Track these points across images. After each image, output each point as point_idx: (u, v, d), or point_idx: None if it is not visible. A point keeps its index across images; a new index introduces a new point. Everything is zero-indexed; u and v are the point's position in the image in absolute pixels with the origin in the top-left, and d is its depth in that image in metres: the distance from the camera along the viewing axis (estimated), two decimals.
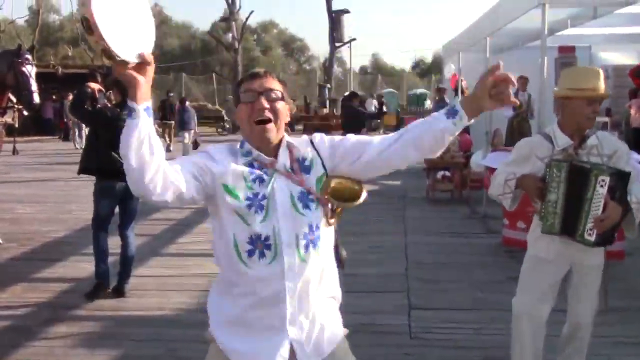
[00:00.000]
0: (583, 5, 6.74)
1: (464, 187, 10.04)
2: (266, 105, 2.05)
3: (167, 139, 19.07)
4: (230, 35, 32.01)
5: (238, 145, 2.16)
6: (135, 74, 1.82)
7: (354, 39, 33.45)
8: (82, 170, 5.64)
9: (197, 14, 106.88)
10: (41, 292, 5.70)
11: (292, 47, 62.34)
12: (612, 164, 3.24)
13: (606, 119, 11.08)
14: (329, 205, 2.13)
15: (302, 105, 30.95)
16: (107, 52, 1.76)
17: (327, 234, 2.17)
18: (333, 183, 2.14)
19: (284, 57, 60.48)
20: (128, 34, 1.80)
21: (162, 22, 55.04)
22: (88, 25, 1.73)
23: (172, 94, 21.13)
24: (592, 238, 3.12)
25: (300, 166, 2.14)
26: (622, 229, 3.37)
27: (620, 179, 3.10)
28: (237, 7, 33.19)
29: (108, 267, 5.63)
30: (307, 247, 2.09)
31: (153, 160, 1.85)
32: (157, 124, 16.18)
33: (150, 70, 1.86)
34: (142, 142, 1.82)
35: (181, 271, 6.33)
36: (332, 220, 2.16)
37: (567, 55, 11.67)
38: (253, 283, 2.09)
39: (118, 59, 1.78)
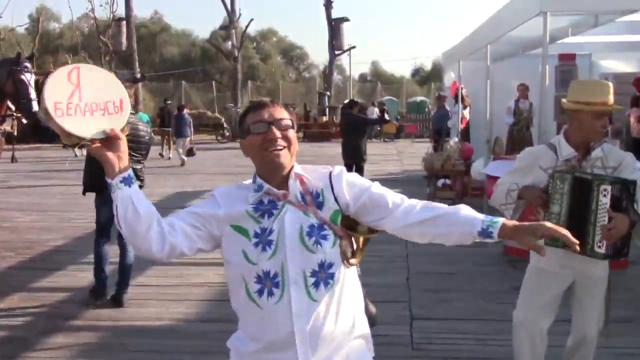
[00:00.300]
0: (584, 13, 6.73)
1: (465, 195, 10.00)
2: (278, 134, 1.99)
3: (167, 146, 19.23)
4: (230, 43, 32.05)
5: (250, 181, 2.09)
6: (103, 150, 1.89)
7: (354, 47, 33.61)
8: (86, 189, 5.69)
9: (197, 22, 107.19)
10: (39, 302, 5.64)
11: (292, 55, 62.39)
12: (617, 175, 3.20)
13: (607, 127, 11.03)
14: (350, 244, 2.05)
15: (301, 113, 30.98)
16: (66, 133, 1.85)
17: (346, 272, 2.05)
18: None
19: (284, 65, 60.53)
20: (95, 112, 1.89)
21: (162, 30, 55.13)
22: (47, 113, 1.83)
23: (169, 102, 21.20)
24: (602, 250, 3.05)
25: (312, 199, 2.05)
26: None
27: (625, 187, 3.04)
28: (237, 15, 33.25)
29: (106, 273, 5.72)
30: (316, 285, 1.97)
31: (140, 223, 1.93)
32: (156, 131, 16.31)
33: (122, 143, 1.91)
34: (126, 210, 1.91)
35: (180, 280, 6.28)
36: (352, 260, 2.06)
37: (567, 63, 11.63)
38: (264, 324, 1.99)
39: (82, 139, 1.87)
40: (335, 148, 20.59)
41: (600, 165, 3.24)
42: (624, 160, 3.27)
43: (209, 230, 2.02)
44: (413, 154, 18.53)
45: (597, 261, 3.28)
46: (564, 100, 3.41)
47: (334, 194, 2.05)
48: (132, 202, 1.91)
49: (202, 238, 2.03)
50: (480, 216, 1.95)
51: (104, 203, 5.42)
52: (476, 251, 7.28)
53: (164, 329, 5.01)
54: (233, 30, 32.24)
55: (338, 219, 2.04)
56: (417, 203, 2.05)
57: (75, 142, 1.92)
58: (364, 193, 2.06)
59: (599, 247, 3.05)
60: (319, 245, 1.97)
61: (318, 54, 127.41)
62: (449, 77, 13.56)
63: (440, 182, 10.35)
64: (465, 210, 1.98)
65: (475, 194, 9.70)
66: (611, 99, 3.23)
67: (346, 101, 12.98)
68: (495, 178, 7.93)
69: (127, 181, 1.91)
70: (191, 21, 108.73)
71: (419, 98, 38.50)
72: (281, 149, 2.00)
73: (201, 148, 22.55)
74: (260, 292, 1.97)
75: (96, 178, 5.20)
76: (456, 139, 11.67)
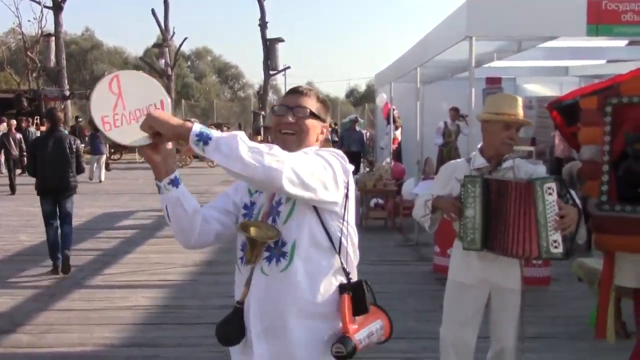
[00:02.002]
0: (508, 39, 6.98)
1: (396, 215, 10.13)
2: (291, 119, 2.14)
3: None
4: (163, 61, 31.62)
5: None
6: (150, 154, 1.98)
7: (288, 67, 33.70)
8: (39, 191, 7.22)
9: (129, 40, 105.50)
10: None
11: (227, 74, 62.13)
12: None
13: (531, 148, 11.45)
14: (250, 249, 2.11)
15: None
16: (119, 145, 2.04)
17: (309, 253, 2.08)
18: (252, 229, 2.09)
19: (218, 84, 60.20)
20: (140, 118, 1.95)
21: (94, 46, 53.96)
22: (97, 129, 1.96)
23: (81, 120, 20.80)
24: (560, 249, 2.96)
25: None
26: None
27: (562, 184, 3.06)
28: (171, 33, 32.90)
29: (58, 254, 7.16)
30: (269, 260, 2.08)
31: (187, 221, 2.07)
32: None
33: (164, 147, 1.99)
34: (175, 210, 2.05)
35: (106, 304, 6.07)
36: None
37: (493, 87, 12.07)
38: (240, 287, 2.15)
39: (127, 145, 1.99)
40: None
41: (512, 176, 3.33)
42: (536, 171, 3.37)
43: (235, 212, 2.22)
44: None
45: (511, 274, 3.36)
46: (478, 113, 3.52)
47: None
48: (180, 203, 2.04)
49: (220, 222, 2.19)
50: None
51: (44, 199, 7.15)
52: (407, 270, 7.38)
53: (87, 355, 4.82)
54: (166, 49, 31.83)
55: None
56: None
57: (127, 148, 2.01)
58: None
59: (555, 247, 2.97)
60: (273, 222, 2.09)
61: (253, 74, 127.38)
62: (381, 99, 13.78)
63: (373, 201, 10.44)
64: None
65: (406, 213, 9.81)
66: (519, 111, 3.33)
67: None
68: None
69: (174, 183, 2.03)
70: (124, 38, 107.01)
71: (353, 116, 38.88)
72: (291, 134, 2.15)
73: (131, 167, 22.09)
74: (241, 260, 2.16)
75: (41, 178, 7.05)
76: (388, 160, 11.84)
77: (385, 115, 14.27)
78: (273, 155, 1.84)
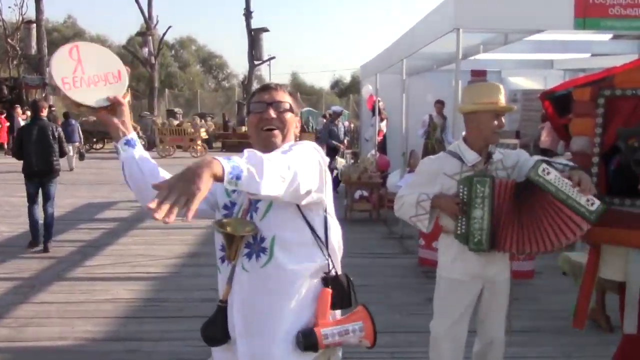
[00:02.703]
0: (495, 31, 6.95)
1: (381, 207, 10.10)
2: (273, 115, 2.12)
3: None
4: (147, 50, 31.33)
5: None
6: (108, 116, 2.07)
7: (273, 58, 33.58)
8: (25, 173, 7.84)
9: (113, 28, 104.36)
10: None
11: (211, 63, 61.71)
12: (517, 174, 3.29)
13: (516, 141, 11.47)
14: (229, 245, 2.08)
15: (220, 123, 30.65)
16: (76, 104, 2.05)
17: (289, 246, 2.04)
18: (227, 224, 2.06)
19: (202, 73, 59.80)
20: (98, 83, 2.08)
21: (76, 34, 53.27)
22: (57, 88, 2.03)
23: (54, 109, 20.60)
24: (597, 202, 2.96)
25: None
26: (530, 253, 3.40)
27: (548, 163, 3.09)
28: (155, 22, 32.60)
29: (39, 229, 7.85)
30: (249, 256, 2.06)
31: (144, 180, 2.05)
32: None
33: (124, 109, 2.09)
34: (131, 169, 2.08)
35: (87, 297, 5.98)
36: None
37: (479, 79, 12.02)
38: (222, 285, 2.13)
39: (89, 106, 2.06)
40: None
41: (501, 167, 3.31)
42: (520, 158, 3.35)
43: (212, 198, 2.18)
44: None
45: (503, 266, 3.37)
46: (461, 105, 3.46)
47: None
48: (135, 162, 2.07)
49: (209, 203, 2.18)
50: None
51: (29, 182, 7.81)
52: (392, 263, 7.36)
53: (68, 349, 4.73)
54: (150, 37, 31.54)
55: None
56: None
57: (84, 110, 2.10)
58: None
59: (592, 203, 2.96)
60: (251, 218, 2.06)
61: (237, 64, 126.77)
62: (367, 90, 13.72)
63: (357, 193, 10.41)
64: None
65: (391, 205, 9.74)
66: (502, 99, 3.30)
67: None
68: None
69: (130, 143, 2.08)
70: (107, 27, 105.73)
71: (338, 108, 38.87)
72: (274, 129, 2.12)
73: (113, 157, 21.86)
74: (222, 259, 2.15)
75: (27, 162, 7.72)
76: (373, 152, 11.80)
77: (369, 107, 14.23)
78: (286, 167, 1.79)
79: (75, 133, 17.73)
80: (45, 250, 7.69)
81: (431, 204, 3.35)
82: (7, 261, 7.33)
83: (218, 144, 28.60)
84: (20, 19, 31.32)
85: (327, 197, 2.13)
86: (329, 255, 2.12)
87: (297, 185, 1.83)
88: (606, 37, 9.59)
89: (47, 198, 7.86)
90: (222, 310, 2.10)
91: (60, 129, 8.07)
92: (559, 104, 3.76)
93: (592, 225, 3.02)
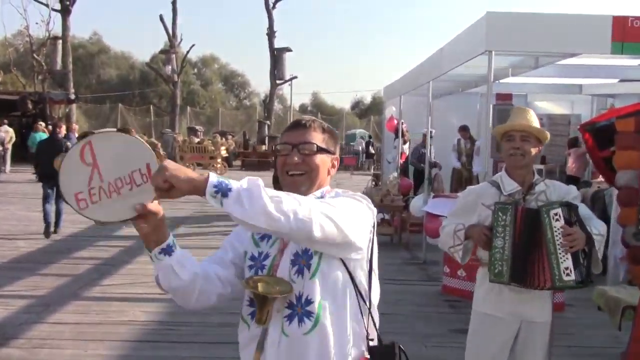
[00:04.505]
0: (526, 54, 6.78)
1: (403, 231, 9.89)
2: (296, 159, 1.92)
3: None
4: (170, 67, 31.57)
5: None
6: (141, 225, 1.73)
7: (295, 77, 33.68)
8: (40, 178, 10.32)
9: (137, 45, 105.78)
10: None
11: (233, 82, 62.13)
12: None
13: (541, 167, 11.24)
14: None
15: (241, 141, 30.70)
16: (102, 224, 1.72)
17: (336, 311, 1.84)
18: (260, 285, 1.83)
19: (224, 91, 60.19)
20: (122, 189, 1.68)
21: (101, 51, 54.02)
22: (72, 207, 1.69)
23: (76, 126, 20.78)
24: (572, 277, 2.85)
25: None
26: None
27: (572, 210, 2.92)
28: (178, 40, 32.89)
29: (50, 220, 9.73)
30: (290, 319, 1.83)
31: (184, 287, 1.84)
32: None
33: (157, 217, 1.74)
34: (169, 279, 1.81)
35: (102, 318, 5.83)
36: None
37: (504, 103, 11.85)
38: (250, 344, 1.90)
39: (113, 222, 1.72)
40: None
41: (544, 199, 3.12)
42: (568, 195, 3.15)
43: (240, 264, 1.98)
44: (353, 186, 18.45)
45: (543, 306, 3.15)
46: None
47: None
48: (173, 271, 1.81)
49: (240, 274, 1.98)
50: None
51: (45, 184, 9.93)
52: (415, 290, 7.14)
53: None
54: (173, 55, 31.80)
55: None
56: None
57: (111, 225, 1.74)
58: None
59: (567, 274, 2.86)
60: (299, 275, 1.84)
61: (259, 82, 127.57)
62: (390, 111, 13.57)
63: (379, 216, 10.21)
64: None
65: (414, 230, 9.61)
66: (523, 121, 3.11)
67: None
68: (435, 215, 7.90)
69: (166, 251, 1.79)
70: (131, 44, 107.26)
71: (358, 130, 38.84)
72: (299, 175, 1.93)
73: None
74: (252, 315, 1.89)
75: (42, 168, 9.94)
76: (395, 174, 11.62)
77: (389, 128, 14.08)
78: (300, 203, 1.64)
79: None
80: (55, 232, 9.86)
81: (465, 235, 3.19)
82: (23, 278, 7.23)
83: (238, 162, 28.60)
84: (47, 34, 31.74)
85: (374, 250, 1.94)
86: (370, 318, 1.92)
87: (321, 225, 1.65)
88: (635, 62, 9.36)
89: (59, 195, 9.37)
90: None
91: (69, 144, 9.74)
92: (599, 135, 3.59)
93: (554, 289, 2.89)
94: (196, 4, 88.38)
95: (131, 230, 7.08)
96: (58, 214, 9.99)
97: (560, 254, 2.87)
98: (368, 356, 1.89)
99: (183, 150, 25.15)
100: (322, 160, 1.96)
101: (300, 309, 1.82)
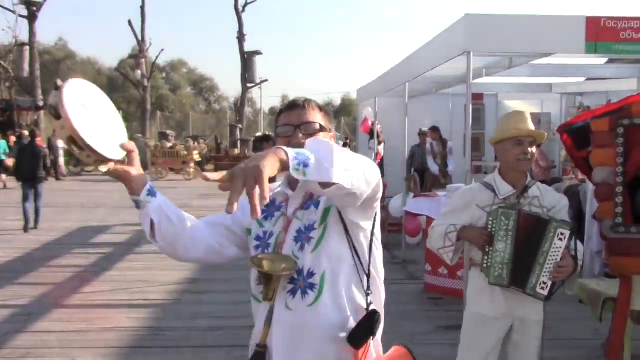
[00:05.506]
0: (504, 55, 6.91)
1: (382, 231, 9.96)
2: (302, 140, 1.87)
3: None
4: (139, 72, 31.30)
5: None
6: (125, 168, 1.83)
7: (266, 80, 33.67)
8: (20, 179, 11.45)
9: (103, 50, 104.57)
10: None
11: (202, 86, 61.82)
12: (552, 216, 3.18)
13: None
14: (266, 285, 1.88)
15: (213, 145, 30.57)
16: (99, 159, 1.75)
17: (337, 281, 1.88)
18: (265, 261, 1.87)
19: (193, 96, 59.84)
20: (104, 134, 1.77)
21: (67, 56, 53.25)
22: (76, 145, 1.71)
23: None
24: (545, 292, 2.99)
25: (315, 200, 1.94)
26: None
27: (574, 233, 3.03)
28: (148, 44, 32.63)
29: (29, 218, 10.94)
30: (293, 293, 1.87)
31: (174, 231, 1.91)
32: None
33: (136, 157, 1.86)
34: (160, 221, 1.88)
35: (86, 325, 5.79)
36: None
37: (476, 102, 12.04)
38: (258, 318, 1.95)
39: (108, 158, 1.77)
40: None
41: (538, 205, 3.21)
42: (560, 203, 3.25)
43: (240, 234, 2.04)
44: None
45: (535, 305, 3.22)
46: (491, 137, 3.41)
47: None
48: (163, 211, 1.90)
49: (237, 243, 2.05)
50: None
51: (24, 184, 11.19)
52: (397, 289, 7.21)
53: None
54: (143, 60, 31.54)
55: (329, 213, 1.90)
56: None
57: (99, 164, 1.78)
58: None
59: (542, 288, 2.99)
60: (301, 250, 1.89)
61: (228, 86, 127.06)
62: (367, 112, 13.66)
63: None
64: None
65: (392, 230, 9.71)
66: (526, 126, 3.21)
67: (258, 134, 12.85)
68: (414, 215, 7.99)
69: (151, 192, 1.89)
70: (97, 49, 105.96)
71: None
72: None
73: (105, 180, 21.68)
74: (262, 293, 1.93)
75: (21, 172, 11.31)
76: None
77: (364, 130, 14.17)
78: (353, 157, 1.63)
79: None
80: (35, 227, 11.08)
81: (457, 236, 3.25)
82: (2, 287, 7.13)
83: (210, 166, 28.45)
84: (14, 41, 31.21)
85: (376, 222, 2.00)
86: (369, 287, 1.97)
87: (364, 179, 1.65)
88: (601, 60, 9.60)
89: (37, 195, 11.22)
90: (260, 356, 1.90)
91: (46, 150, 11.82)
92: (577, 136, 3.71)
93: (524, 294, 3.06)
94: (164, 9, 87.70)
95: (108, 237, 7.16)
96: (37, 211, 11.12)
97: (546, 268, 2.99)
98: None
99: (155, 155, 24.96)
100: (324, 138, 1.93)
101: (303, 282, 1.86)
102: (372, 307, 1.99)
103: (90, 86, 1.82)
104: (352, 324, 1.91)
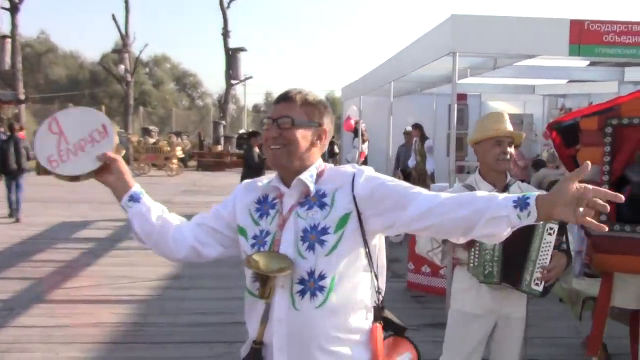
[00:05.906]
0: (489, 55, 6.98)
1: None
2: (274, 134, 1.94)
3: None
4: (123, 67, 31.07)
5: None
6: (105, 177, 2.00)
7: (250, 77, 33.66)
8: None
9: (85, 44, 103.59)
10: None
11: (185, 82, 61.50)
12: None
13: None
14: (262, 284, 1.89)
15: (196, 141, 30.46)
16: (70, 178, 2.01)
17: (349, 288, 1.88)
18: (258, 258, 1.89)
19: (177, 92, 59.51)
20: (85, 147, 2.00)
21: (49, 50, 52.72)
22: (46, 170, 2.00)
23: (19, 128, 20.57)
24: (539, 288, 3.05)
25: (317, 200, 1.93)
26: None
27: (564, 227, 3.08)
28: (132, 39, 32.40)
29: (13, 207, 11.67)
30: (302, 294, 1.86)
31: (157, 233, 2.01)
32: None
33: (119, 164, 2.00)
34: (142, 225, 2.00)
35: (69, 320, 5.76)
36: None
37: (460, 103, 12.13)
38: (253, 316, 1.95)
39: (80, 175, 2.00)
40: (229, 178, 20.23)
41: None
42: None
43: (226, 233, 2.06)
44: None
45: (519, 302, 3.28)
46: (469, 138, 3.45)
47: (353, 192, 1.91)
48: (143, 216, 2.00)
49: (223, 242, 2.07)
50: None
51: (7, 176, 11.81)
52: None
53: None
54: (126, 54, 31.31)
55: (347, 221, 1.89)
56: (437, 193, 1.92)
57: (81, 179, 2.02)
58: (381, 184, 1.91)
59: (537, 284, 3.05)
60: (311, 251, 1.88)
61: (211, 83, 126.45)
62: (352, 111, 13.70)
63: None
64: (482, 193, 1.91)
65: None
66: (505, 126, 3.26)
67: (242, 131, 12.84)
68: None
69: (134, 198, 2.00)
70: (79, 43, 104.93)
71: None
72: (277, 148, 1.95)
73: None
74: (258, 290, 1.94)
75: (3, 165, 11.72)
76: None
77: (346, 129, 14.23)
78: None
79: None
80: (17, 220, 11.58)
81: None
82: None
83: (193, 163, 28.36)
84: None
85: None
86: (377, 281, 1.98)
87: None
88: (583, 63, 9.72)
89: (18, 185, 11.76)
90: (257, 353, 1.90)
91: (28, 144, 12.12)
92: (566, 134, 3.76)
93: (519, 291, 3.11)
94: (148, 3, 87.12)
95: (91, 232, 7.12)
96: (17, 203, 11.73)
97: (538, 264, 3.05)
98: (378, 324, 1.97)
99: (138, 150, 24.81)
100: (302, 134, 1.94)
101: (313, 284, 1.86)
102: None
103: (68, 113, 2.10)
104: (359, 324, 1.92)
